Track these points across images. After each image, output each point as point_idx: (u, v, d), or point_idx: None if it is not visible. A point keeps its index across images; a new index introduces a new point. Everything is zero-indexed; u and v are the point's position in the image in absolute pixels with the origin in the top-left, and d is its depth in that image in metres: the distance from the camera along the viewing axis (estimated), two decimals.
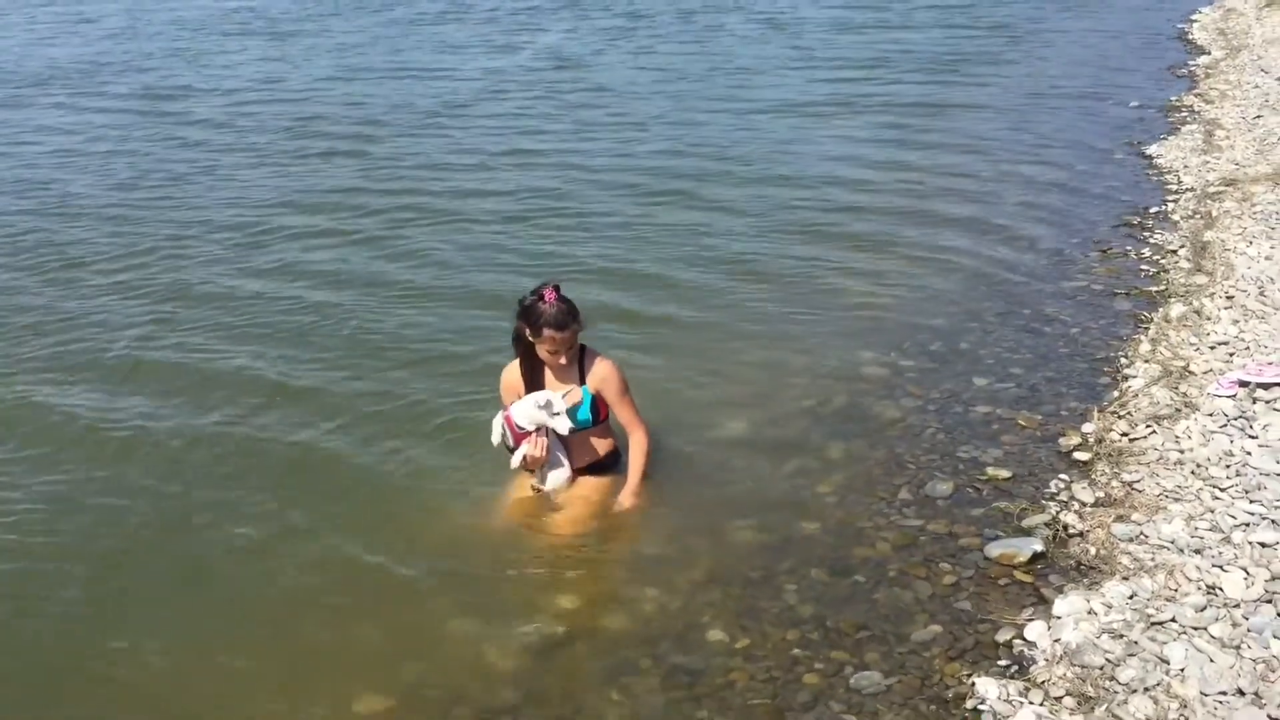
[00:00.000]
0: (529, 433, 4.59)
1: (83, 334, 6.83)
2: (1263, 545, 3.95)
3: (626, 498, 4.66)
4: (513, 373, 4.73)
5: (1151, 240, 7.78)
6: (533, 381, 4.66)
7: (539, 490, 4.73)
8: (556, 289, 4.46)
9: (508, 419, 4.64)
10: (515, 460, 4.62)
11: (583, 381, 4.64)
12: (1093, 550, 4.17)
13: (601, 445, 4.80)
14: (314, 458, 5.27)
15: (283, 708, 3.71)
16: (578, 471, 4.77)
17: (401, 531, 4.65)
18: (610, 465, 4.82)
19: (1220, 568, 3.89)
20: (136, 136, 12.58)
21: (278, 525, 4.72)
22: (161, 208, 9.61)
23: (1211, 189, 8.68)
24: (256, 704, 3.73)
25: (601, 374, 4.63)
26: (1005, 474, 4.83)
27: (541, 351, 4.52)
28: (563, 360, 4.53)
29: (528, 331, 4.51)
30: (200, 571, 4.45)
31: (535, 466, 4.69)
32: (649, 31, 19.29)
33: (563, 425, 4.52)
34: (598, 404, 4.68)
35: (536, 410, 4.52)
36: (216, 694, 3.78)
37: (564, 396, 4.58)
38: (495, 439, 4.72)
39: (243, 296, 7.40)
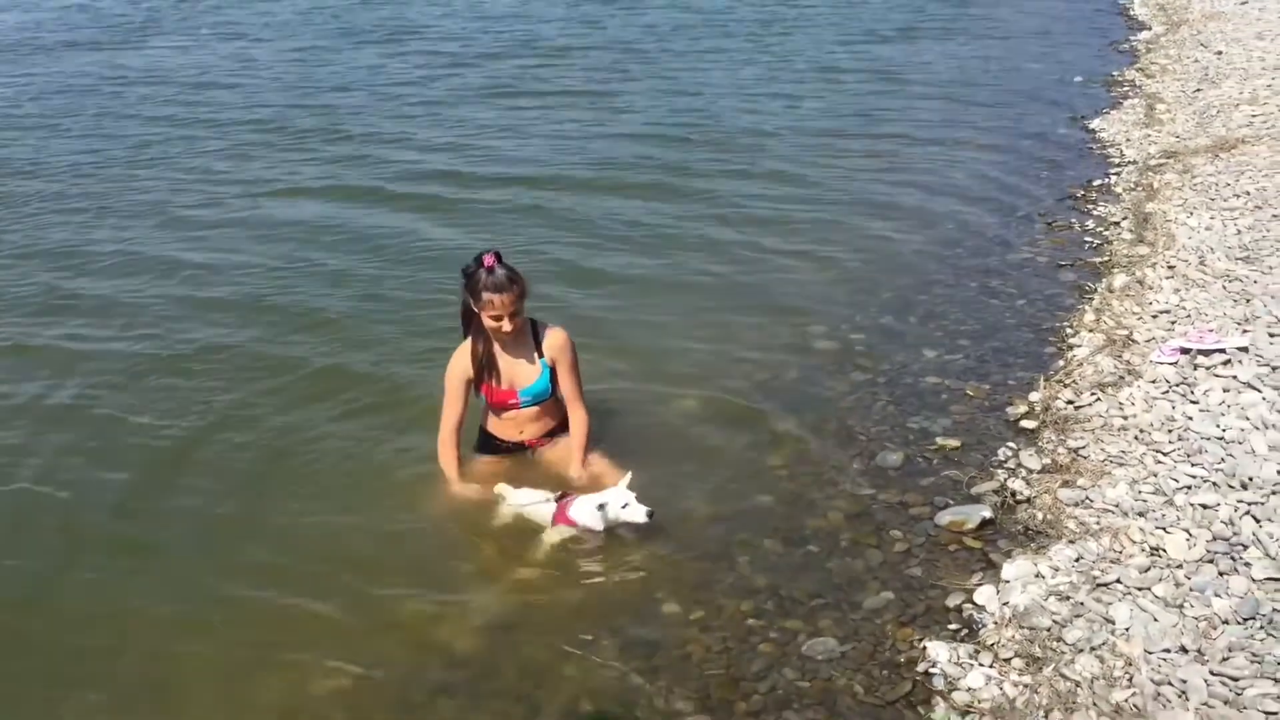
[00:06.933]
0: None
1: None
2: (1204, 507, 4.04)
3: (576, 470, 4.68)
4: (463, 357, 4.63)
5: (1095, 212, 7.90)
6: (485, 363, 4.62)
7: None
8: (497, 255, 4.43)
9: (570, 521, 4.34)
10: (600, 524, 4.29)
11: (540, 354, 4.63)
12: (1040, 515, 4.25)
13: (558, 414, 4.81)
14: (263, 436, 5.20)
15: (237, 690, 3.68)
16: (536, 441, 4.78)
17: (354, 511, 4.62)
18: (562, 432, 4.82)
19: (1163, 530, 3.97)
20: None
21: (226, 506, 4.68)
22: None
23: (1153, 161, 8.82)
24: (210, 686, 3.70)
25: (557, 343, 4.62)
26: (954, 443, 4.90)
27: (486, 321, 4.47)
28: (507, 328, 4.46)
29: (472, 302, 4.48)
30: (150, 552, 4.40)
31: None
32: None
33: (639, 514, 4.22)
34: (555, 374, 4.67)
35: (598, 512, 4.25)
36: (168, 676, 3.75)
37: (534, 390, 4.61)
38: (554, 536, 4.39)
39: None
